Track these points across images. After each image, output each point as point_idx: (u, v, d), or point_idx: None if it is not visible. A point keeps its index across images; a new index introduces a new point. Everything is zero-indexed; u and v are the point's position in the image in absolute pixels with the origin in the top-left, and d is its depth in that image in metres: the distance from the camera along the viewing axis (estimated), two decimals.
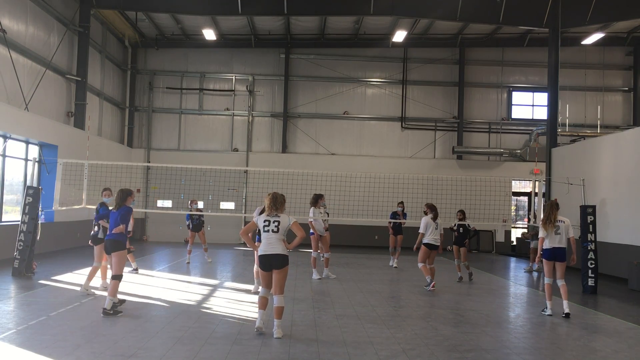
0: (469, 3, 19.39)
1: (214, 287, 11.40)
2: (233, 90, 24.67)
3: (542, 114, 24.54)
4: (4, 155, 15.36)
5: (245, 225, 7.56)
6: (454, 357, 6.64)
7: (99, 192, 10.85)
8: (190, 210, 15.49)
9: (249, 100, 24.61)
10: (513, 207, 25.70)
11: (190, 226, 15.43)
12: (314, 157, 24.01)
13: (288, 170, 16.80)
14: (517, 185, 25.78)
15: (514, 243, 23.87)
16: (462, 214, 13.66)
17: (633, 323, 9.12)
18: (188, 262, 15.24)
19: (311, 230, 13.08)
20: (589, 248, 12.64)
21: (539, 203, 20.24)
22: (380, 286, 12.32)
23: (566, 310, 9.15)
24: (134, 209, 8.90)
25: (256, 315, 7.46)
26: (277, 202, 7.28)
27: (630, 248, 14.29)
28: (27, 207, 12.23)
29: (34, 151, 16.63)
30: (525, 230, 16.85)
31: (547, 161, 20.04)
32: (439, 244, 11.81)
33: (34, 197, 12.32)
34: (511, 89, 25.29)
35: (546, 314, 9.40)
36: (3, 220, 15.46)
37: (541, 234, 9.47)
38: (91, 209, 11.87)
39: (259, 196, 9.72)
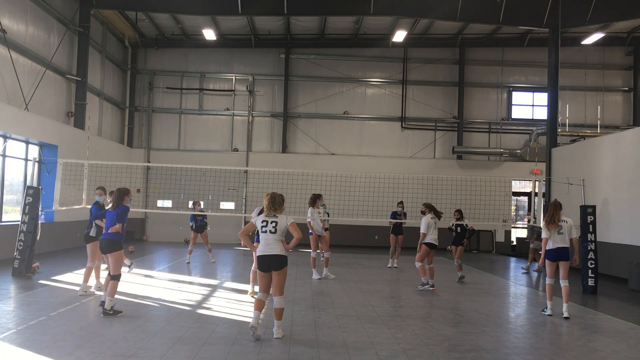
0: (469, 3, 19.39)
1: (214, 287, 11.40)
2: (233, 90, 24.67)
3: (542, 114, 24.55)
4: (4, 155, 15.36)
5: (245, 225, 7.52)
6: (454, 357, 6.64)
7: None
8: (194, 211, 15.58)
9: (249, 100, 24.61)
10: (513, 207, 25.70)
11: (194, 227, 15.51)
12: (314, 157, 24.01)
13: (288, 170, 16.82)
14: (517, 185, 25.79)
15: (514, 243, 23.87)
16: (459, 214, 13.67)
17: (633, 323, 9.12)
18: (188, 262, 15.26)
19: (310, 231, 13.09)
20: (589, 248, 12.64)
21: (539, 203, 20.28)
22: (380, 286, 12.32)
23: (565, 314, 9.14)
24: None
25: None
26: (276, 203, 7.25)
27: (630, 248, 14.29)
28: (27, 207, 12.23)
29: (34, 151, 16.63)
30: (531, 231, 16.85)
31: (547, 161, 20.04)
32: (437, 243, 11.87)
33: (34, 197, 12.32)
34: (511, 89, 25.29)
35: (546, 314, 9.41)
36: (3, 220, 15.46)
37: (544, 234, 9.45)
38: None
39: (259, 196, 9.71)
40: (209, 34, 21.42)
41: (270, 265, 7.10)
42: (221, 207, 23.03)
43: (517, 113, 25.39)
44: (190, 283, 11.94)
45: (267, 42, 24.37)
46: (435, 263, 12.68)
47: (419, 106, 24.83)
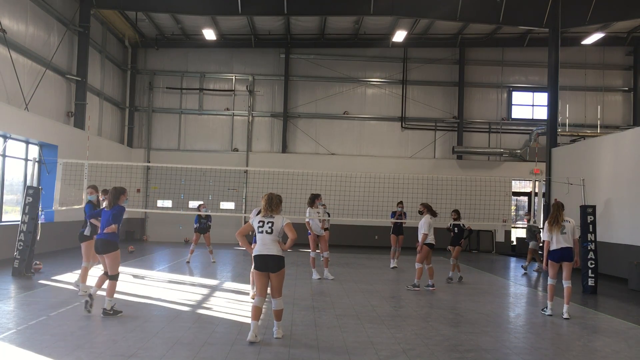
0: (469, 3, 19.39)
1: (214, 287, 11.41)
2: (233, 90, 24.68)
3: (542, 114, 24.55)
4: (4, 155, 15.36)
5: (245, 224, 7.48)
6: (454, 357, 6.64)
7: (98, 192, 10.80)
8: (199, 212, 15.71)
9: (249, 100, 24.61)
10: (513, 207, 25.70)
11: (197, 228, 15.66)
12: (314, 157, 24.02)
13: (288, 170, 16.82)
14: (517, 185, 25.80)
15: (514, 243, 23.87)
16: (456, 214, 13.67)
17: (633, 323, 9.12)
18: (188, 262, 15.30)
19: (309, 231, 13.09)
20: (589, 248, 12.64)
21: (539, 203, 20.28)
22: (380, 286, 12.32)
23: (565, 316, 9.13)
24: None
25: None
26: (273, 204, 7.19)
27: (630, 248, 14.29)
28: (27, 207, 12.23)
29: (34, 151, 16.62)
30: (529, 231, 16.80)
31: (547, 161, 20.04)
32: (435, 243, 11.94)
33: (34, 197, 12.32)
34: (511, 89, 25.29)
35: (546, 314, 9.39)
36: (3, 220, 15.46)
37: (545, 236, 9.41)
38: None
39: (259, 196, 9.69)
40: (209, 34, 21.42)
41: (267, 265, 7.03)
42: (221, 207, 23.03)
43: (517, 113, 25.40)
44: (191, 283, 11.93)
45: (267, 42, 24.37)
46: (435, 263, 12.69)
47: (419, 106, 24.83)
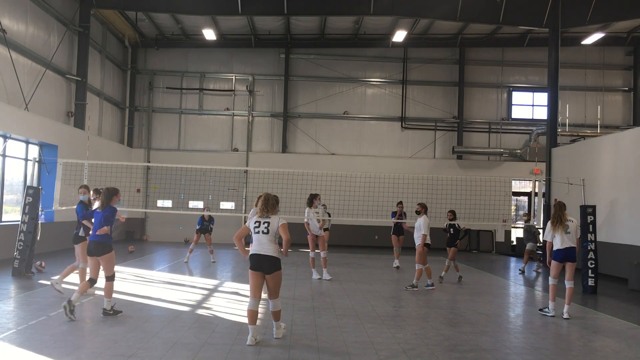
0: (469, 3, 19.39)
1: (214, 287, 11.41)
2: (233, 90, 24.68)
3: (542, 114, 24.55)
4: (4, 155, 15.36)
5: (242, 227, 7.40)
6: (454, 357, 6.64)
7: None
8: (204, 216, 15.80)
9: (249, 100, 24.61)
10: (513, 207, 25.71)
11: (198, 228, 15.72)
12: (314, 157, 24.02)
13: (288, 170, 16.83)
14: (517, 185, 25.80)
15: (514, 243, 23.87)
16: (452, 214, 13.64)
17: (633, 323, 9.12)
18: (186, 261, 15.34)
19: (307, 231, 13.08)
20: (589, 248, 12.64)
21: (538, 203, 20.28)
22: (380, 286, 12.32)
23: (565, 316, 9.12)
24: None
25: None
26: (269, 204, 7.12)
27: (631, 248, 14.29)
28: (27, 207, 12.23)
29: (34, 151, 16.62)
30: (527, 232, 16.77)
31: (547, 161, 20.04)
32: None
33: (34, 197, 12.32)
34: (511, 89, 25.29)
35: (548, 314, 9.33)
36: (3, 220, 15.46)
37: (548, 237, 9.39)
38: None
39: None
40: (209, 34, 21.41)
41: (261, 265, 6.95)
42: (221, 207, 23.04)
43: (517, 113, 25.40)
44: (191, 283, 11.93)
45: (267, 42, 24.37)
46: (435, 263, 12.68)
47: (419, 106, 24.84)
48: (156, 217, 23.40)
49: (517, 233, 24.52)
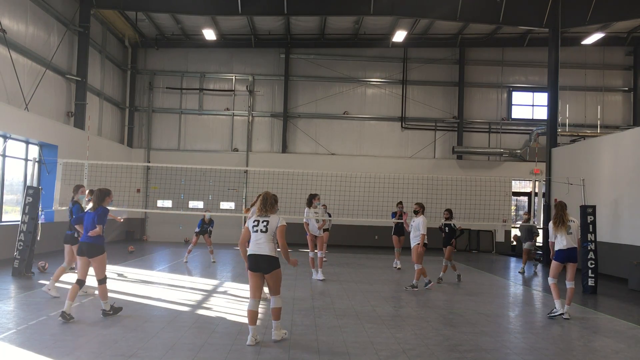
0: (469, 3, 19.39)
1: (214, 287, 11.41)
2: (233, 90, 24.68)
3: (542, 114, 24.55)
4: (4, 155, 15.36)
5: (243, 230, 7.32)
6: (454, 357, 6.64)
7: None
8: (204, 218, 15.84)
9: (249, 100, 24.61)
10: (513, 207, 25.71)
11: (197, 230, 15.75)
12: (314, 157, 24.02)
13: (288, 170, 16.83)
14: (517, 185, 25.80)
15: (514, 243, 23.87)
16: (448, 213, 13.64)
17: (633, 323, 9.12)
18: (185, 261, 15.35)
19: (307, 231, 13.08)
20: (589, 248, 12.64)
21: (538, 203, 20.28)
22: (380, 286, 12.32)
23: (565, 316, 9.11)
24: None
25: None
26: (267, 204, 7.09)
27: (631, 248, 14.29)
28: (27, 207, 12.23)
29: (34, 151, 16.63)
30: (525, 231, 16.74)
31: (547, 161, 20.04)
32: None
33: (34, 197, 12.32)
34: (511, 89, 25.29)
35: (556, 314, 9.19)
36: (3, 220, 15.46)
37: (553, 238, 9.39)
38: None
39: None
40: (209, 34, 21.41)
41: (259, 265, 6.93)
42: (221, 207, 23.04)
43: (517, 113, 25.40)
44: (190, 283, 11.93)
45: (267, 42, 24.37)
46: (434, 263, 12.67)
47: (419, 106, 24.84)
48: (156, 217, 23.41)
49: (516, 232, 24.52)
